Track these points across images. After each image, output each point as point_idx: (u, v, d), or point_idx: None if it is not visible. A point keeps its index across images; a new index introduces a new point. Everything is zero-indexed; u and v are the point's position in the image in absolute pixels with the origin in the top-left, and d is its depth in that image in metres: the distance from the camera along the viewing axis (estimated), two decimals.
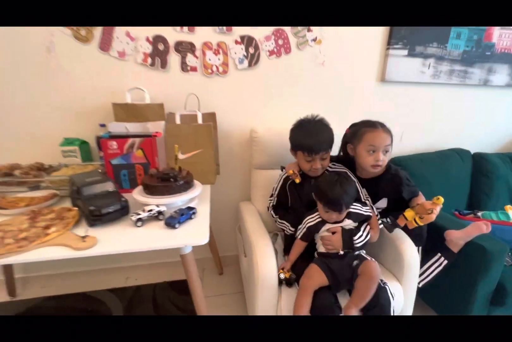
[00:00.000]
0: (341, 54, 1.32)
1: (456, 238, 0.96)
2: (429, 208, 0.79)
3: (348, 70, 1.35)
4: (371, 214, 0.92)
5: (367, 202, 0.99)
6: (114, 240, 0.67)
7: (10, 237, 0.64)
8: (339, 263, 0.86)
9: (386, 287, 0.85)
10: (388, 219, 0.91)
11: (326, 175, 0.95)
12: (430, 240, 1.02)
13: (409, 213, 0.85)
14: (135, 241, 0.67)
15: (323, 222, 0.91)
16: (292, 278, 0.88)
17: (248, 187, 1.37)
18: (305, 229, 0.93)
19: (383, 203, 1.02)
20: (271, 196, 1.12)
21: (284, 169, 1.08)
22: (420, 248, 1.05)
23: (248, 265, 0.96)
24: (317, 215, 0.93)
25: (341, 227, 0.89)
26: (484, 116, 1.61)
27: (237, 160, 1.38)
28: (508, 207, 1.18)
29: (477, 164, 1.49)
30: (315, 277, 0.83)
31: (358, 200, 0.96)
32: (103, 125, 1.13)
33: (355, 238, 0.86)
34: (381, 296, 0.81)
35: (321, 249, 0.92)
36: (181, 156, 1.09)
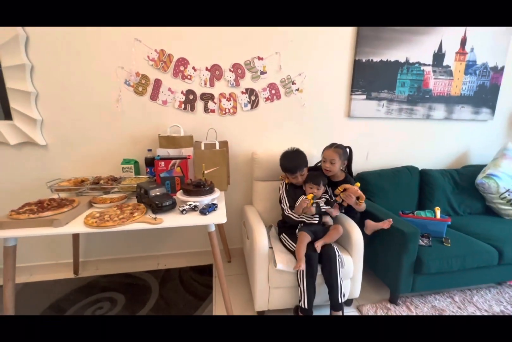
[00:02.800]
0: (317, 98, 1.85)
1: (370, 226, 1.48)
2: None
3: (323, 110, 1.89)
4: (331, 200, 1.46)
5: (332, 196, 1.51)
6: (172, 220, 1.15)
7: (114, 217, 1.12)
8: (317, 227, 1.39)
9: (333, 245, 1.34)
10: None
11: (311, 173, 1.50)
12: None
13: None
14: (184, 221, 1.15)
15: None
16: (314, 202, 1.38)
17: (250, 194, 1.86)
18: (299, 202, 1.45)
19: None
20: (280, 203, 1.53)
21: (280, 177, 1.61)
22: None
23: (250, 242, 1.42)
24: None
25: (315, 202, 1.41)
26: (429, 142, 2.12)
27: (241, 174, 1.88)
28: (436, 208, 1.64)
29: (423, 178, 1.97)
30: (306, 237, 1.33)
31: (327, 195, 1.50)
32: (149, 150, 1.64)
33: (321, 205, 1.40)
34: (329, 251, 1.30)
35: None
36: (204, 171, 1.60)
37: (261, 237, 1.30)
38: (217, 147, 1.64)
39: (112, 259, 1.84)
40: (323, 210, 1.40)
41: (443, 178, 1.97)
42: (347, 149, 1.54)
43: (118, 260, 1.85)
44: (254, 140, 1.84)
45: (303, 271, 1.25)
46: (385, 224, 1.42)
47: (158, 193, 1.26)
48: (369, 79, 1.88)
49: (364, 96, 1.92)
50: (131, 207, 1.24)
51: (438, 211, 1.63)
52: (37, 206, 1.17)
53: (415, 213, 1.65)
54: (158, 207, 1.20)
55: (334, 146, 1.50)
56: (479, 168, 2.07)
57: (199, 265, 1.86)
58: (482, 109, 2.14)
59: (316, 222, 1.40)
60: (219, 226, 1.80)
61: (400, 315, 1.40)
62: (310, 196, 1.36)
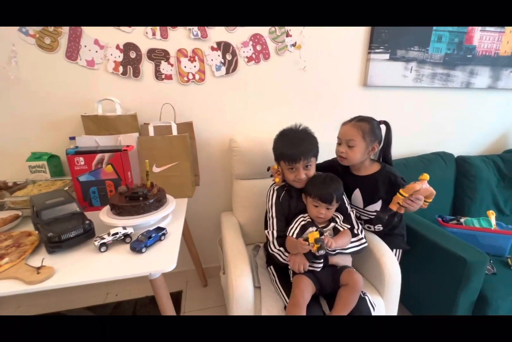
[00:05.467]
0: (322, 59, 1.29)
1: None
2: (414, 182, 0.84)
3: (330, 76, 1.33)
4: (343, 229, 0.90)
5: (351, 213, 0.97)
6: (73, 269, 0.63)
7: None
8: (322, 270, 0.85)
9: (366, 297, 0.84)
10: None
11: (315, 175, 0.94)
12: None
13: (396, 195, 0.86)
14: (96, 270, 0.63)
15: (311, 223, 0.90)
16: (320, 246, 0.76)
17: (231, 197, 1.33)
18: (298, 229, 0.89)
19: (378, 206, 0.99)
20: (266, 225, 0.98)
21: (270, 169, 1.04)
22: (401, 251, 1.03)
23: (226, 280, 0.92)
24: (308, 215, 0.93)
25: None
26: (467, 119, 1.61)
27: (218, 170, 1.34)
28: (490, 212, 1.17)
29: (461, 168, 1.49)
30: (307, 289, 0.81)
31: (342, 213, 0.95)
32: (73, 138, 1.07)
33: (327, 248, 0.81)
34: (361, 307, 0.80)
35: None
36: (155, 169, 1.05)
37: (242, 284, 0.79)
38: (175, 132, 1.08)
39: (41, 291, 1.32)
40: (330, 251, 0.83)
41: (487, 167, 1.49)
42: (381, 126, 0.97)
43: (50, 292, 1.32)
44: (232, 121, 1.28)
45: None
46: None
47: (58, 215, 0.72)
48: (395, 30, 1.32)
49: (387, 56, 1.36)
50: (9, 242, 0.70)
51: (492, 216, 1.17)
52: None
53: (462, 220, 1.18)
54: (53, 242, 0.67)
55: (356, 119, 0.95)
56: None
57: None
58: None
59: (319, 268, 0.85)
60: (188, 243, 1.29)
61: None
62: (311, 238, 0.76)
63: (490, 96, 1.60)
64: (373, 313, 0.80)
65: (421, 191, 0.83)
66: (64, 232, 0.67)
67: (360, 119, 0.95)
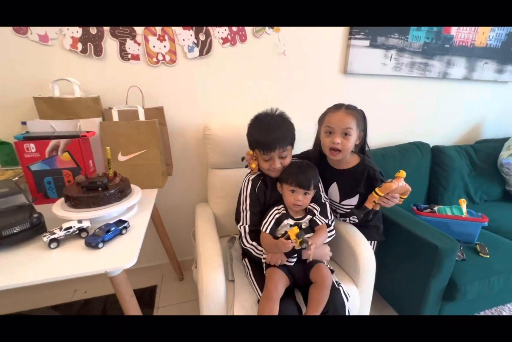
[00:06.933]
0: (302, 43, 1.23)
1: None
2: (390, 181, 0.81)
3: (310, 61, 1.28)
4: (321, 223, 0.88)
5: (326, 203, 0.95)
6: (15, 269, 0.55)
7: None
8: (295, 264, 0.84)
9: (340, 288, 0.82)
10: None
11: (291, 162, 0.90)
12: None
13: (372, 193, 0.83)
14: (43, 269, 0.56)
15: (286, 215, 0.87)
16: (303, 241, 0.73)
17: (206, 187, 1.27)
18: (272, 223, 0.85)
19: (354, 200, 0.96)
20: (238, 217, 0.93)
21: (244, 158, 0.97)
22: (376, 242, 1.03)
23: (197, 274, 0.88)
24: (282, 206, 0.89)
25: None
26: (443, 109, 1.63)
27: (192, 159, 1.27)
28: (461, 200, 1.20)
29: (435, 158, 1.51)
30: (281, 282, 0.78)
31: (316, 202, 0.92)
32: (24, 123, 0.96)
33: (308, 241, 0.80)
34: (335, 298, 0.79)
35: None
36: (121, 157, 0.97)
37: (213, 278, 0.75)
38: (142, 118, 1.00)
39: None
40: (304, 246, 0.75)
41: (460, 157, 1.53)
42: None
43: (10, 291, 1.22)
44: (206, 107, 1.21)
45: None
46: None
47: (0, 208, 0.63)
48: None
49: (367, 43, 1.33)
50: None
51: (464, 204, 1.19)
52: None
53: (435, 208, 1.20)
54: None
55: (345, 107, 0.89)
56: (497, 143, 1.66)
57: (135, 288, 1.31)
58: (507, 67, 1.66)
59: (293, 262, 0.84)
60: (162, 236, 1.23)
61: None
62: (292, 235, 0.73)
63: (465, 87, 1.62)
64: (347, 304, 0.79)
65: (397, 189, 0.80)
66: (5, 228, 0.59)
67: (348, 106, 0.90)
